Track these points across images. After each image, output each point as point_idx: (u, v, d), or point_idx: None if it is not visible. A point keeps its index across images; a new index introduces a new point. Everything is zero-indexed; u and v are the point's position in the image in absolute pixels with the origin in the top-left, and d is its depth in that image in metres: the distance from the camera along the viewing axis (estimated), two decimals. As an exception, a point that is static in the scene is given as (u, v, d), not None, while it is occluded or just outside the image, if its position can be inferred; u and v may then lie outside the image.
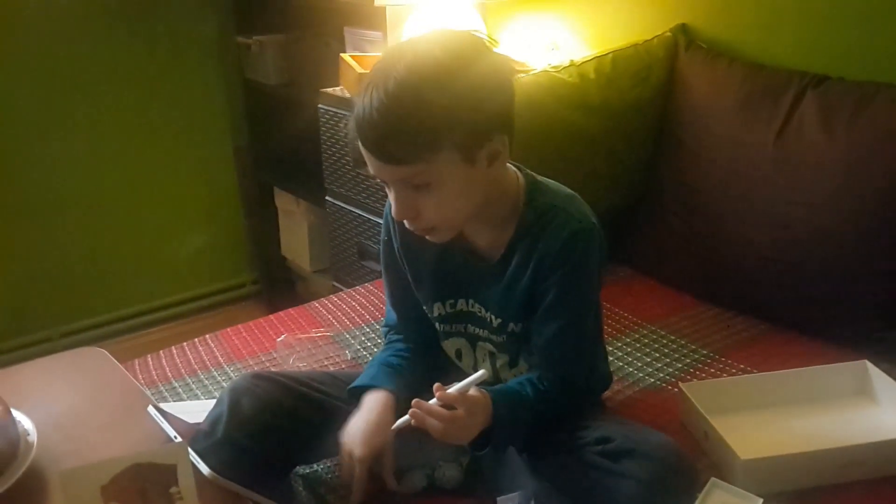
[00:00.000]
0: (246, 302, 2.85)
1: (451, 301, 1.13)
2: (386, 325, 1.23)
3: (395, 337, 1.20)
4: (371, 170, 0.98)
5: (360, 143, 0.96)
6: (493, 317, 1.10)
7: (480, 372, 0.97)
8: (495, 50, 1.03)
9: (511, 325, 1.09)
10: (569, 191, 1.09)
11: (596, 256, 1.05)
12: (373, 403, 1.06)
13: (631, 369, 1.38)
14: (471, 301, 1.12)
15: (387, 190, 1.02)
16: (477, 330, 1.13)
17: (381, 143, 0.93)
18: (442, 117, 0.92)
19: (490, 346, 1.13)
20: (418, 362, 1.16)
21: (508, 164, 1.07)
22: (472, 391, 0.98)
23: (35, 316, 2.47)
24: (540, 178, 1.10)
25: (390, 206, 1.08)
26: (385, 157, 0.94)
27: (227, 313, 2.73)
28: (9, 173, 2.36)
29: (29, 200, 2.41)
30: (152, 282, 2.67)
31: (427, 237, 1.04)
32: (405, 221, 1.02)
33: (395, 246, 1.15)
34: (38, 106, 2.37)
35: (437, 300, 1.14)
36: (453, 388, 0.96)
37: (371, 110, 0.92)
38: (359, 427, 1.03)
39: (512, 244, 1.06)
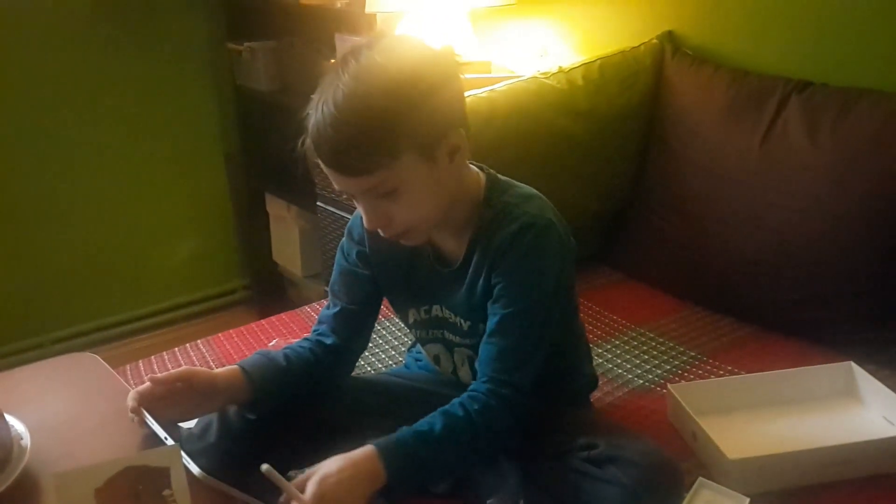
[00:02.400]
0: (237, 307, 2.85)
1: (426, 307, 1.13)
2: (317, 323, 1.18)
3: (320, 328, 1.16)
4: (335, 185, 0.98)
5: (319, 161, 0.96)
6: (462, 321, 1.10)
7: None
8: (436, 47, 1.01)
9: (481, 325, 1.07)
10: (531, 190, 1.08)
11: (551, 253, 1.02)
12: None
13: (620, 371, 1.39)
14: (442, 307, 1.11)
15: (355, 202, 1.01)
16: (451, 336, 1.13)
17: (340, 157, 0.93)
18: (395, 122, 0.91)
19: (467, 351, 1.13)
20: (318, 360, 1.12)
21: (471, 165, 1.07)
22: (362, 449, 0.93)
23: (26, 322, 2.46)
24: (502, 177, 1.09)
25: (360, 215, 1.08)
26: (346, 170, 0.94)
27: (219, 319, 2.73)
28: (0, 180, 2.36)
29: (19, 206, 2.41)
30: (143, 288, 2.67)
31: (402, 242, 1.04)
32: (378, 230, 1.01)
33: (366, 251, 1.13)
34: (29, 113, 2.37)
35: (410, 306, 1.14)
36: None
37: (324, 126, 0.92)
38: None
39: (471, 245, 1.05)
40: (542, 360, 1.04)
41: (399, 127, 0.92)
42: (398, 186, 0.95)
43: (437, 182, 0.98)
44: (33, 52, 2.34)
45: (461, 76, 1.01)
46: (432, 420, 0.98)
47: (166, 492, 0.83)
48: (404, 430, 0.97)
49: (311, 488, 0.88)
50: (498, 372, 1.01)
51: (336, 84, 0.93)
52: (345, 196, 1.01)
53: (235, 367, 1.07)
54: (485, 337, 1.04)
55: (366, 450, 0.93)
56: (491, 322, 1.03)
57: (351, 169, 0.94)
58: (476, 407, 0.99)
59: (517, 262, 1.01)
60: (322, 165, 0.97)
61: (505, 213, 1.03)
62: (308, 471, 0.91)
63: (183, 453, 0.88)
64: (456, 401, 1.01)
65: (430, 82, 0.95)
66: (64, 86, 2.41)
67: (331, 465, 0.91)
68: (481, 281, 1.04)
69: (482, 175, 1.08)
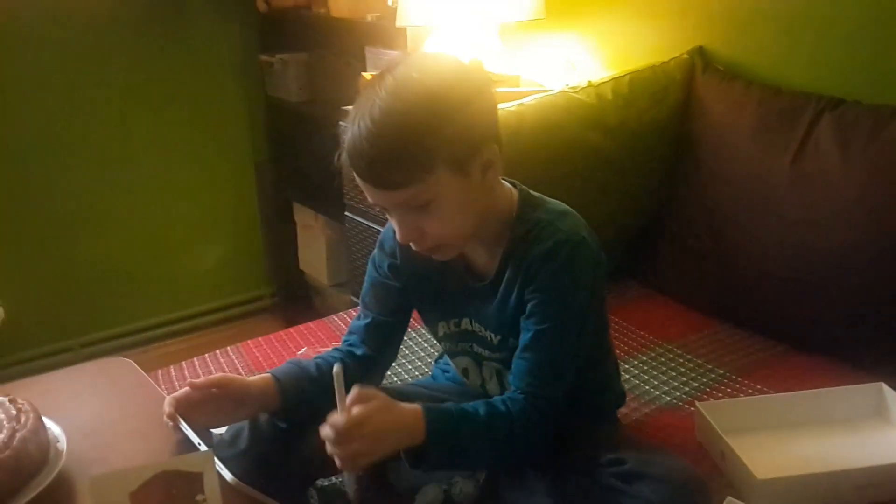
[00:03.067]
0: (264, 314, 2.87)
1: (455, 320, 1.14)
2: (347, 333, 1.20)
3: (351, 339, 1.17)
4: (369, 198, 0.99)
5: (354, 174, 0.98)
6: (492, 335, 1.10)
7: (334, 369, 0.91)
8: (473, 65, 1.03)
9: (511, 340, 1.08)
10: (563, 206, 1.09)
11: (584, 269, 1.03)
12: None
13: (647, 387, 1.39)
14: (472, 321, 1.12)
15: (388, 215, 1.03)
16: (480, 349, 1.13)
17: (375, 171, 0.95)
18: (430, 136, 0.93)
19: (496, 365, 1.13)
20: (350, 371, 1.08)
21: (503, 181, 1.08)
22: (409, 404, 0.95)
23: (57, 326, 2.50)
24: (535, 193, 1.10)
25: (392, 227, 1.09)
26: (381, 183, 0.96)
27: (245, 325, 2.75)
28: (35, 186, 2.41)
29: (53, 212, 2.45)
30: (172, 293, 2.71)
31: (434, 256, 1.05)
32: (411, 244, 1.02)
33: (397, 263, 1.14)
34: (64, 120, 2.42)
35: (440, 319, 1.15)
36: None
37: (360, 140, 0.94)
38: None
39: (504, 259, 1.06)
40: (573, 375, 1.05)
41: (433, 141, 0.93)
42: (431, 200, 0.97)
43: (470, 197, 0.99)
44: (68, 62, 2.39)
45: (494, 92, 1.03)
46: (476, 405, 1.00)
47: (199, 497, 0.84)
48: (451, 405, 0.99)
49: (357, 410, 0.89)
50: (532, 386, 1.02)
51: (373, 99, 0.95)
52: (378, 208, 1.02)
53: (268, 375, 1.08)
54: (518, 351, 1.05)
55: (413, 407, 0.95)
56: (524, 337, 1.04)
57: (385, 182, 0.96)
58: (517, 408, 1.01)
59: (551, 279, 1.02)
60: (357, 178, 0.99)
61: (538, 229, 1.04)
62: (362, 390, 0.91)
63: (216, 459, 0.89)
64: (498, 398, 1.02)
65: (464, 96, 0.96)
66: (97, 95, 2.46)
67: (382, 403, 0.92)
68: (514, 296, 1.05)
69: (514, 191, 1.09)
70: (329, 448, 0.90)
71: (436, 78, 0.97)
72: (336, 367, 0.91)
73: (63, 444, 0.94)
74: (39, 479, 0.88)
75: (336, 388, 0.91)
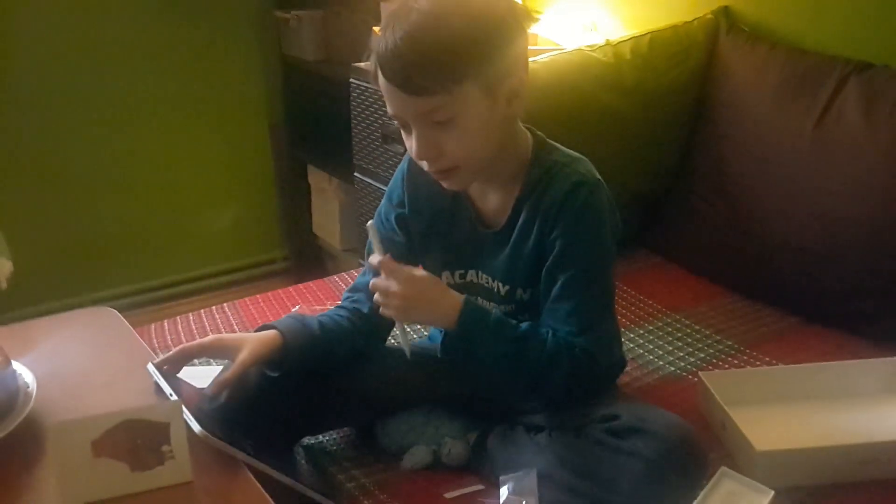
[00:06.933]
0: (276, 278, 2.85)
1: (461, 272, 1.11)
2: (351, 290, 1.18)
3: (356, 296, 1.14)
4: (391, 109, 0.98)
5: (381, 78, 0.97)
6: (500, 285, 1.08)
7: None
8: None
9: (519, 291, 1.06)
10: (577, 154, 1.07)
11: (602, 211, 1.02)
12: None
13: (651, 357, 1.34)
14: (479, 272, 1.10)
15: (404, 136, 1.01)
16: (486, 303, 1.10)
17: (406, 73, 0.94)
18: (465, 48, 0.92)
19: None
20: (356, 329, 1.11)
21: (520, 125, 1.06)
22: None
23: (67, 282, 2.50)
24: (549, 140, 1.08)
25: (399, 180, 1.07)
26: (409, 88, 0.94)
27: (257, 288, 2.71)
28: (46, 143, 2.40)
29: (65, 170, 2.44)
30: (184, 254, 2.70)
31: (445, 183, 1.03)
32: (425, 163, 1.01)
33: (405, 213, 1.13)
34: (76, 78, 2.39)
35: (444, 268, 1.13)
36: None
37: (395, 41, 0.93)
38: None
39: (517, 204, 1.05)
40: (613, 318, 1.06)
41: (467, 52, 0.92)
42: (454, 115, 0.96)
43: (492, 122, 0.98)
44: (78, 17, 2.36)
45: (528, 27, 1.01)
46: (522, 323, 1.03)
47: (164, 447, 0.82)
48: (494, 310, 1.07)
49: (413, 271, 1.00)
50: (573, 335, 1.00)
51: (412, 6, 0.94)
52: (398, 123, 1.01)
53: (273, 331, 1.05)
54: (548, 303, 1.03)
55: (457, 294, 1.02)
56: (556, 285, 1.02)
57: (414, 87, 0.94)
58: (555, 342, 1.00)
59: (573, 222, 1.01)
60: (384, 84, 0.97)
61: (554, 171, 1.03)
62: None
63: (185, 410, 0.87)
64: (545, 328, 1.03)
65: (502, 19, 0.96)
66: (110, 52, 2.43)
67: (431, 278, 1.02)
68: (530, 242, 1.03)
69: (530, 135, 1.07)
70: (379, 290, 0.99)
71: None
72: (369, 223, 1.04)
73: (33, 389, 0.92)
74: (5, 423, 0.86)
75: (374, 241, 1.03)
